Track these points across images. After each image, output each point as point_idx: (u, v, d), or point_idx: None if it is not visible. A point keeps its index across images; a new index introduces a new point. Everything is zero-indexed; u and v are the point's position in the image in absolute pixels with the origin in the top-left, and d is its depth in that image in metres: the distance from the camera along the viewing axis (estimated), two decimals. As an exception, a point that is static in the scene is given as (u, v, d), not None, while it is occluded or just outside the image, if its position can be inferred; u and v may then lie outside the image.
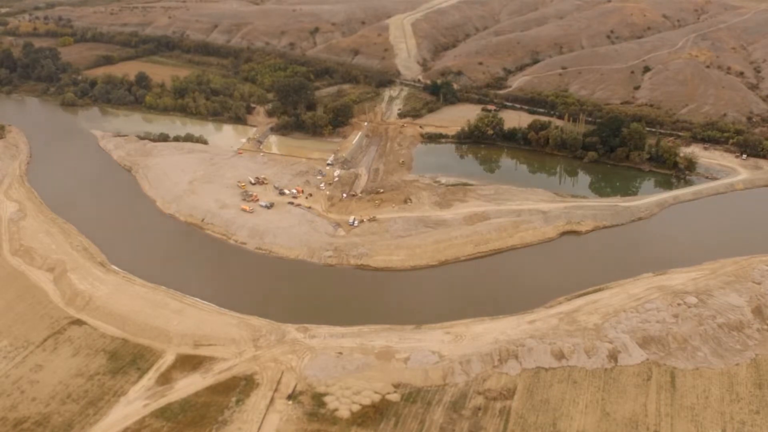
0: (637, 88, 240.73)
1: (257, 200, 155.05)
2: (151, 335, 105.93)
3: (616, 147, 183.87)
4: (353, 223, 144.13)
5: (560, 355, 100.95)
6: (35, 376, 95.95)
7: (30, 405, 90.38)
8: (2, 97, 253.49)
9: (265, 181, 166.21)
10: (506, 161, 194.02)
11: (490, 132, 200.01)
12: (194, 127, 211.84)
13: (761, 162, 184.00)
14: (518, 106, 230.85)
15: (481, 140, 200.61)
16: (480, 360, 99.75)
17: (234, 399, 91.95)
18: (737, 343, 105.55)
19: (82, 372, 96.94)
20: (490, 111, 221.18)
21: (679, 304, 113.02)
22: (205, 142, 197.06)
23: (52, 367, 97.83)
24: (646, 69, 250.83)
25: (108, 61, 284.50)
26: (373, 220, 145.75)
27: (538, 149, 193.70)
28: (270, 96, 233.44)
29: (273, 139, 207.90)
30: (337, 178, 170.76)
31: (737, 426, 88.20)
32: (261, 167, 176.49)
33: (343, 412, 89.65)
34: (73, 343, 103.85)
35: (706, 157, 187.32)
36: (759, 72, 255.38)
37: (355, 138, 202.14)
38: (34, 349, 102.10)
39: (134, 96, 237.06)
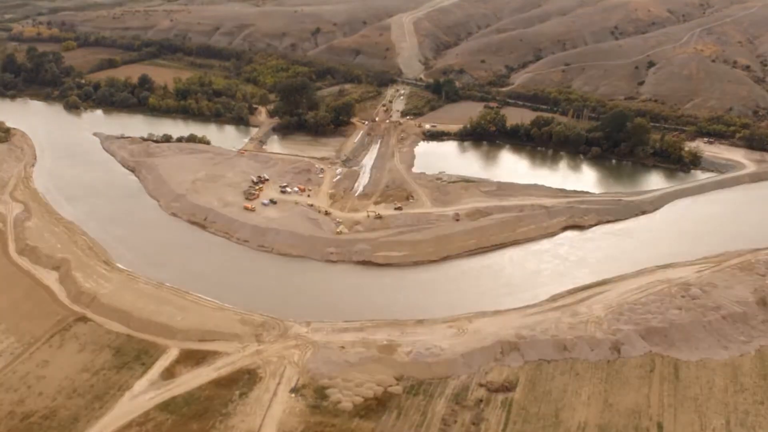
0: (641, 83, 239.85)
1: (259, 198, 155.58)
2: (155, 331, 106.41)
3: (620, 142, 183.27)
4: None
5: (563, 348, 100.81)
6: (42, 371, 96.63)
7: (37, 399, 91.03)
8: (7, 101, 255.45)
9: (268, 180, 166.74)
10: (509, 157, 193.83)
11: (493, 129, 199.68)
12: (197, 128, 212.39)
13: (767, 156, 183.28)
14: (521, 103, 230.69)
15: (483, 137, 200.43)
16: (482, 353, 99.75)
17: (237, 392, 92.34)
18: (741, 334, 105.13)
19: (88, 367, 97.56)
20: (492, 108, 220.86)
21: (682, 296, 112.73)
22: (207, 143, 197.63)
23: (59, 363, 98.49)
24: (651, 64, 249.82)
25: (111, 64, 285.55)
26: (378, 217, 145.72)
27: (540, 146, 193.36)
28: (272, 96, 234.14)
29: (275, 138, 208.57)
30: (339, 176, 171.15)
31: (741, 416, 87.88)
32: (263, 166, 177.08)
33: (346, 405, 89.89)
34: (78, 339, 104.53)
35: (711, 151, 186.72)
36: (765, 65, 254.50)
37: (357, 137, 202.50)
38: (40, 345, 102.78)
39: (137, 98, 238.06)
